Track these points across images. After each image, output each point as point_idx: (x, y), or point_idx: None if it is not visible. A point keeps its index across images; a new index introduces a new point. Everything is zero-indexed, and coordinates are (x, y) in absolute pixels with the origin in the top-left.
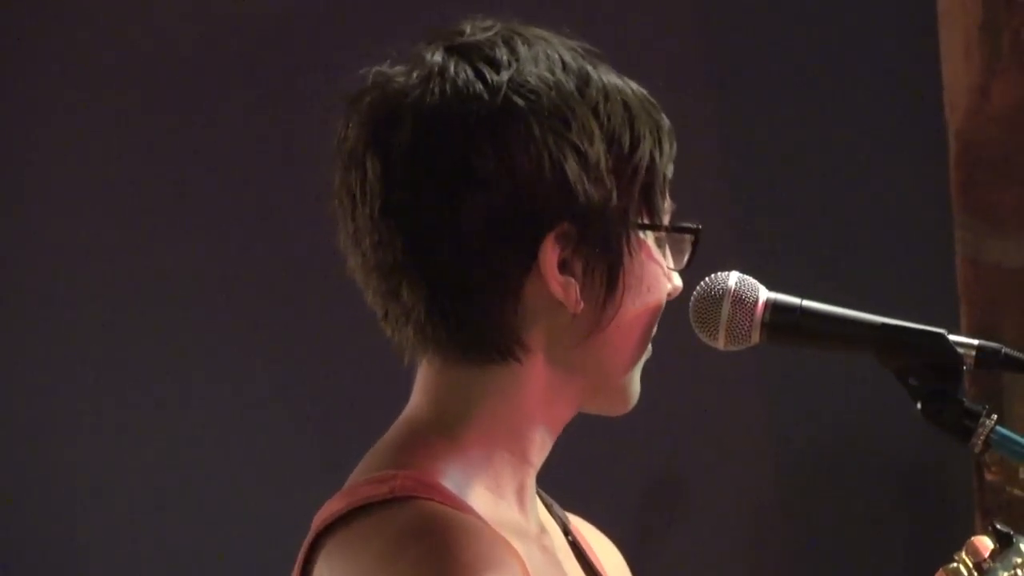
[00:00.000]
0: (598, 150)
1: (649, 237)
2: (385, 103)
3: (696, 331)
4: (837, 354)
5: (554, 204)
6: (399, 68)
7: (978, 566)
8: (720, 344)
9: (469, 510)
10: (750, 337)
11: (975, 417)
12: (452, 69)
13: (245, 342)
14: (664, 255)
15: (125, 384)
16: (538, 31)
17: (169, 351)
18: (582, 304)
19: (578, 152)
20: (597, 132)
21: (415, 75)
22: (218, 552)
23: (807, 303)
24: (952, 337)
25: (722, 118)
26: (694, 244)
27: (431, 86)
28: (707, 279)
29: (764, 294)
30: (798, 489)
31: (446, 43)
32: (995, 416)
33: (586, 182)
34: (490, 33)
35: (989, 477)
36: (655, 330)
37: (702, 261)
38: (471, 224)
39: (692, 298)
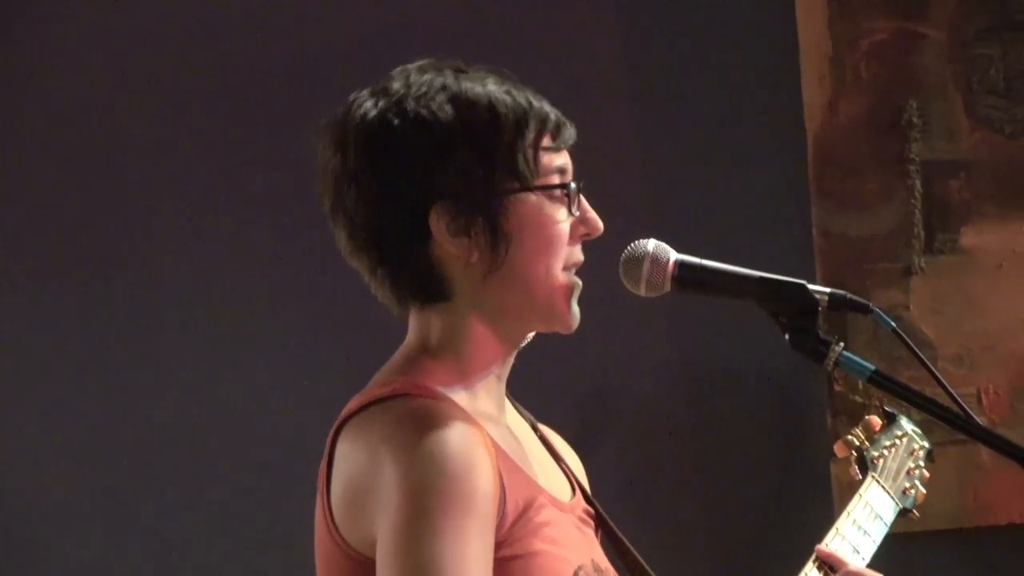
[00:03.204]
0: (456, 144)
1: (531, 196)
2: (327, 133)
3: (623, 282)
4: (727, 300)
5: (427, 190)
6: (358, 103)
7: (869, 437)
8: (642, 292)
9: (450, 402)
10: (663, 287)
11: (827, 345)
12: (359, 103)
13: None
14: (559, 205)
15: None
16: (431, 62)
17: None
18: (476, 254)
19: (439, 151)
20: (459, 131)
21: (342, 109)
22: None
23: (706, 262)
24: (810, 287)
25: (639, 131)
26: (579, 193)
27: (346, 119)
28: (632, 244)
29: (674, 255)
30: (701, 400)
31: (372, 87)
32: (842, 344)
33: (447, 171)
34: (401, 68)
35: (837, 388)
36: (573, 261)
37: (632, 234)
38: (385, 217)
39: (621, 258)
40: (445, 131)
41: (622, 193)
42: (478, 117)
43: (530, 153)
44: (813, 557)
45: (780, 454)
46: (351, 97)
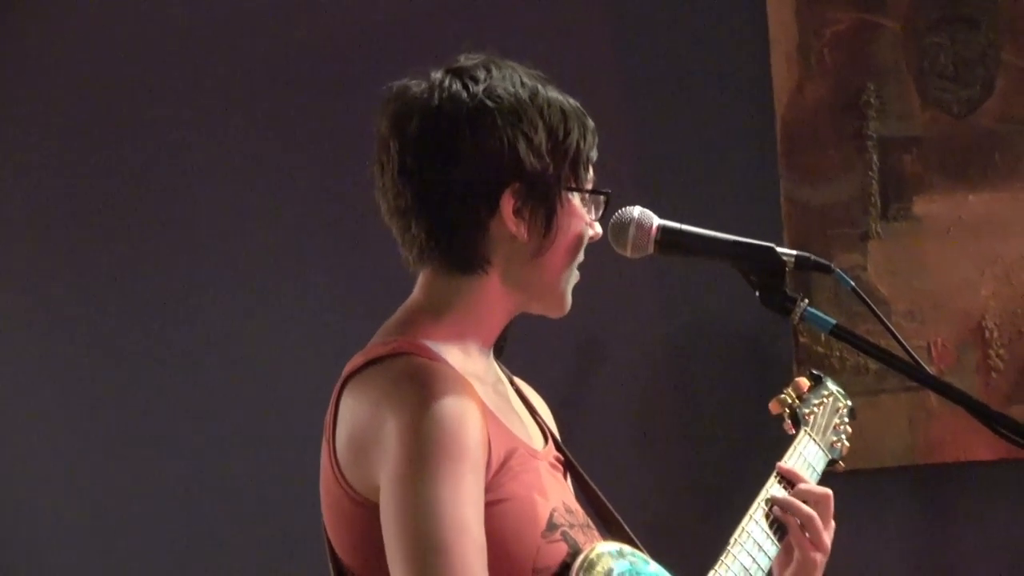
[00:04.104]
0: (540, 137)
1: (575, 197)
2: (403, 105)
3: (612, 244)
4: (704, 261)
5: (510, 170)
6: (414, 82)
7: (799, 396)
8: (628, 253)
9: (444, 363)
10: (647, 249)
11: (793, 301)
12: (447, 83)
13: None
14: (588, 210)
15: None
16: (509, 62)
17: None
18: (529, 237)
19: (527, 138)
20: (541, 125)
21: (423, 87)
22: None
23: (685, 227)
24: (778, 249)
25: (628, 111)
26: (606, 203)
27: (433, 93)
28: (620, 211)
29: (657, 221)
30: (681, 350)
31: (445, 68)
32: (806, 300)
33: (531, 157)
34: (474, 61)
35: (802, 340)
36: (580, 259)
37: (619, 202)
38: (455, 183)
39: (610, 223)
40: (533, 124)
41: (612, 165)
42: (556, 116)
43: (587, 160)
44: (775, 473)
45: (752, 397)
46: (433, 77)
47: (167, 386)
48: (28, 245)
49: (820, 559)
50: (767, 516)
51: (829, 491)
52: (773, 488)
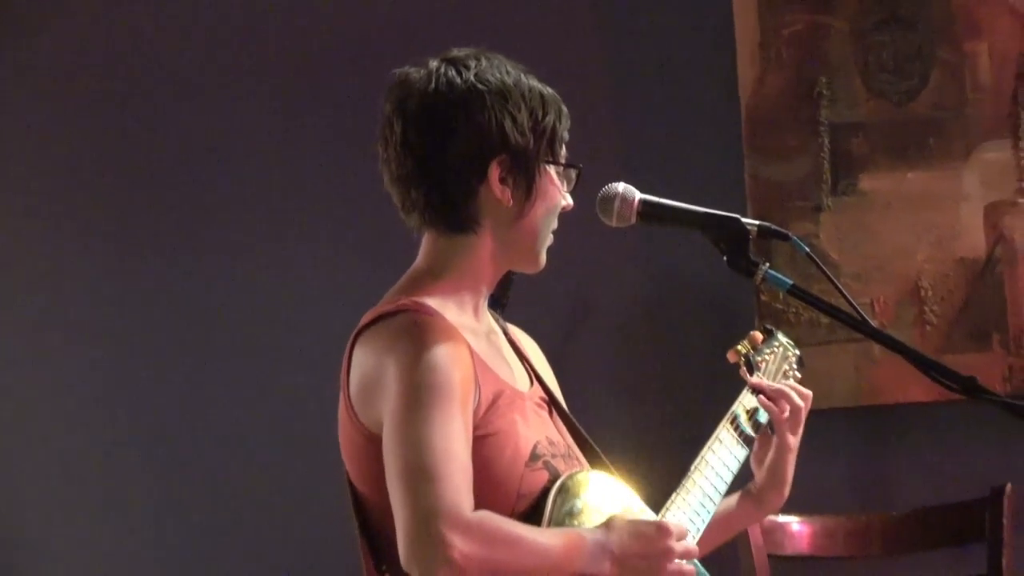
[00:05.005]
0: (523, 116)
1: (551, 170)
2: (404, 88)
3: (599, 215)
4: (680, 230)
5: (497, 144)
6: (413, 70)
7: (753, 347)
8: (613, 223)
9: (441, 317)
10: (630, 220)
11: (756, 264)
12: (443, 70)
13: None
14: (562, 183)
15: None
16: (496, 54)
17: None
18: (512, 203)
19: (512, 117)
20: (523, 107)
21: (422, 73)
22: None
23: (663, 200)
24: (743, 219)
25: (613, 102)
26: (577, 177)
27: (431, 78)
28: (606, 186)
29: (639, 195)
30: (658, 307)
31: (441, 57)
32: (767, 264)
33: (515, 133)
34: (466, 53)
35: (763, 298)
36: (554, 225)
37: (605, 179)
38: (450, 154)
39: (597, 197)
40: (517, 106)
41: (599, 148)
42: (536, 100)
43: (561, 137)
44: (747, 388)
45: (719, 347)
46: (430, 65)
47: (191, 377)
48: (46, 238)
49: (795, 443)
50: (735, 428)
51: (809, 392)
52: (747, 399)
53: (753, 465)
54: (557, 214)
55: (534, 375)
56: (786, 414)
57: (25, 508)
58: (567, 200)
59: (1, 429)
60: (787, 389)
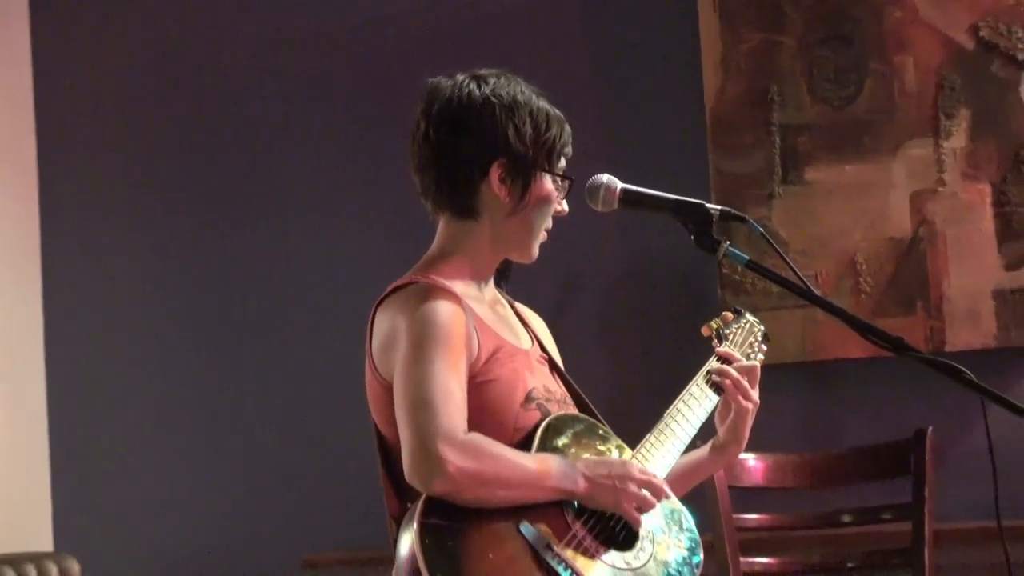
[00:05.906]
0: (527, 129)
1: (547, 178)
2: (433, 93)
3: (586, 202)
4: (655, 214)
5: (500, 148)
6: (443, 80)
7: (724, 323)
8: (599, 208)
9: (446, 287)
10: (613, 205)
11: (718, 243)
12: (466, 82)
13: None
14: (559, 191)
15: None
16: (516, 77)
17: None
18: (508, 199)
19: (516, 127)
20: (528, 121)
21: (449, 83)
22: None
23: (641, 189)
24: (708, 205)
25: (597, 105)
26: (570, 187)
27: (455, 88)
28: (593, 177)
29: (620, 184)
30: (636, 279)
31: (468, 73)
32: (728, 242)
33: (517, 142)
34: (490, 72)
35: (724, 271)
36: (548, 225)
37: (592, 170)
38: (459, 151)
39: (585, 186)
40: (523, 120)
41: (587, 145)
42: (541, 117)
43: (560, 152)
44: (714, 355)
45: (687, 313)
46: (457, 78)
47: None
48: (126, 224)
49: (751, 408)
50: (708, 381)
51: (756, 364)
52: (712, 364)
53: (717, 423)
54: (550, 216)
55: (536, 340)
56: (736, 389)
57: (116, 455)
58: (562, 207)
59: (102, 391)
60: (732, 371)
